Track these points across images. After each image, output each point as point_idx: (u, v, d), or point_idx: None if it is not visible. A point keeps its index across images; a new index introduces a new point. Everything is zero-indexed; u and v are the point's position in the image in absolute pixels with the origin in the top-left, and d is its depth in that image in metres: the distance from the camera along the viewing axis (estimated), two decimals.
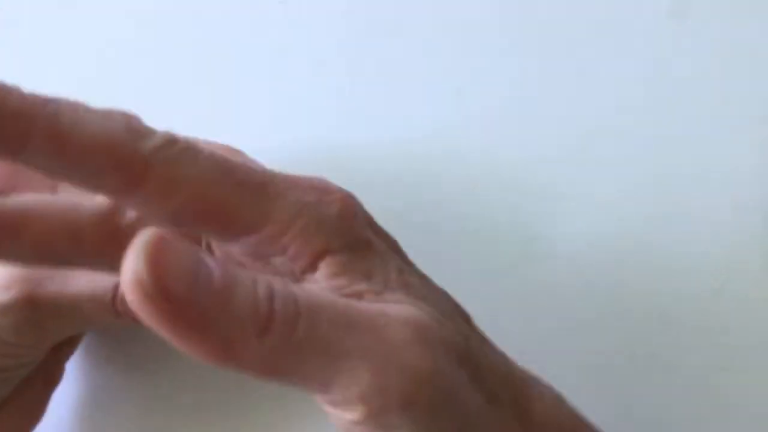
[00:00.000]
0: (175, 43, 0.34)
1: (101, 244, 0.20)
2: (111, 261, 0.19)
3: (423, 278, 0.23)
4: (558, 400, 0.23)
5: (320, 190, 0.21)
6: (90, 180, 0.18)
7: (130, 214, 0.20)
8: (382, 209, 0.31)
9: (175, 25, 0.34)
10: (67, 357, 0.29)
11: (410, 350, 0.19)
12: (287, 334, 0.17)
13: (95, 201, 0.20)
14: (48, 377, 0.29)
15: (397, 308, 0.20)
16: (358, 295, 0.20)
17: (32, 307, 0.25)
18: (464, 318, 0.23)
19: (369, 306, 0.19)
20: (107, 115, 0.18)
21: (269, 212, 0.19)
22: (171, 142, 0.19)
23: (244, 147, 0.30)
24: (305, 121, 0.33)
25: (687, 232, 0.34)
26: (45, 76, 0.33)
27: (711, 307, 0.33)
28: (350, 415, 0.18)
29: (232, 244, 0.20)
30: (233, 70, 0.34)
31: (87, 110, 0.18)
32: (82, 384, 0.30)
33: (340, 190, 0.22)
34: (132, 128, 0.18)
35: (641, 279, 0.33)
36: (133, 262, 0.15)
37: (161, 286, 0.15)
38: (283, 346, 0.17)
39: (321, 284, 0.20)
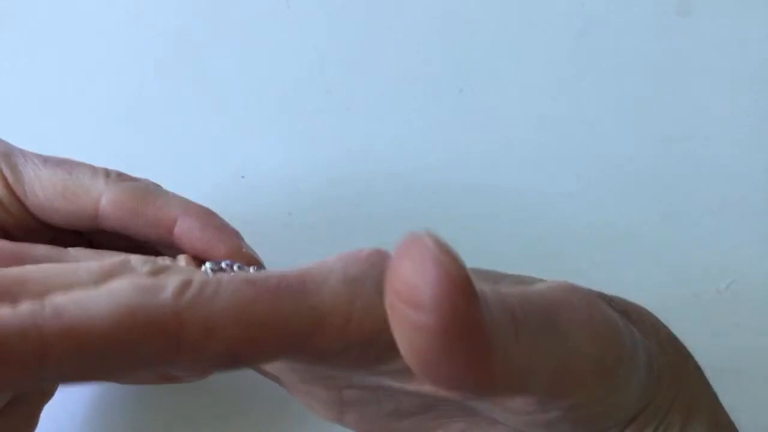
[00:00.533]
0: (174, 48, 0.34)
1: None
2: None
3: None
4: (650, 315, 0.23)
5: (348, 255, 0.18)
6: (128, 364, 0.15)
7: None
8: (384, 215, 0.31)
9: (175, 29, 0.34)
10: None
11: (590, 309, 0.18)
12: (529, 328, 0.16)
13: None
14: (41, 391, 0.27)
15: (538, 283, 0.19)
16: None
17: None
18: None
19: (532, 286, 0.18)
20: (105, 273, 0.17)
21: (323, 307, 0.16)
22: (186, 283, 0.16)
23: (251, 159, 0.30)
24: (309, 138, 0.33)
25: (692, 233, 0.33)
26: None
27: (716, 307, 0.33)
28: (577, 395, 0.17)
29: (309, 358, 0.17)
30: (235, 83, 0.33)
31: (80, 281, 0.16)
32: (80, 394, 0.30)
33: (363, 249, 0.19)
34: (139, 286, 0.16)
35: (647, 280, 0.33)
36: (437, 263, 0.13)
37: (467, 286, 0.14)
38: (532, 340, 0.16)
39: None
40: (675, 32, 0.35)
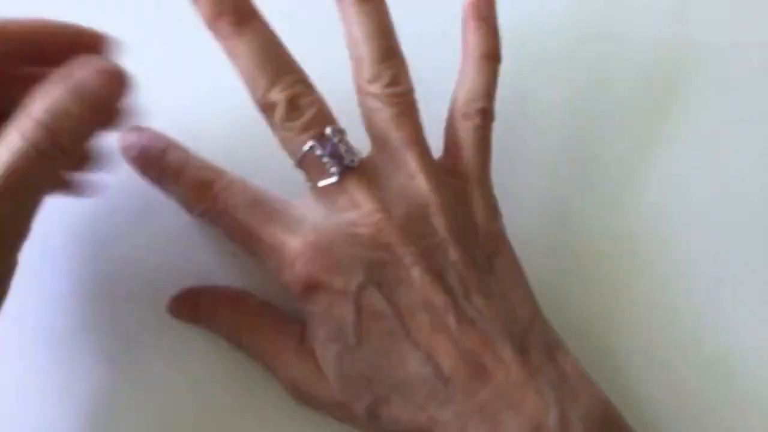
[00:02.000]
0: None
1: None
2: None
3: None
4: None
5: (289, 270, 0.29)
6: None
7: None
8: None
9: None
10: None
11: None
12: None
13: None
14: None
15: None
16: None
17: None
18: None
19: None
20: None
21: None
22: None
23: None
24: None
25: (688, 228, 0.33)
26: None
27: (711, 303, 0.33)
28: None
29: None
30: None
31: None
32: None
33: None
34: None
35: (642, 275, 0.33)
36: None
37: None
38: None
39: None
40: (674, 34, 0.36)
